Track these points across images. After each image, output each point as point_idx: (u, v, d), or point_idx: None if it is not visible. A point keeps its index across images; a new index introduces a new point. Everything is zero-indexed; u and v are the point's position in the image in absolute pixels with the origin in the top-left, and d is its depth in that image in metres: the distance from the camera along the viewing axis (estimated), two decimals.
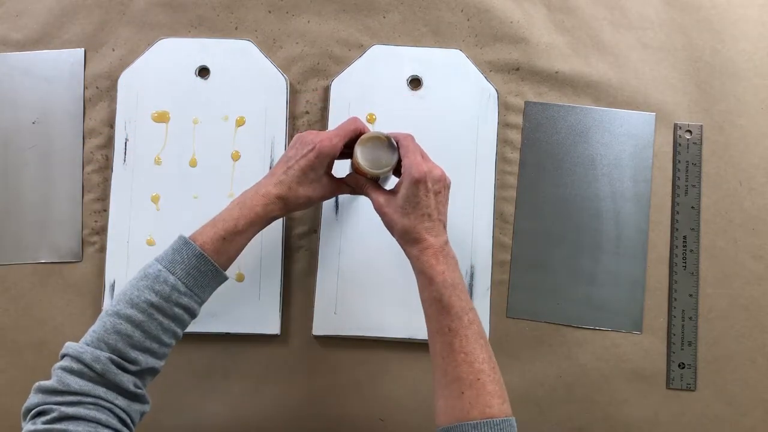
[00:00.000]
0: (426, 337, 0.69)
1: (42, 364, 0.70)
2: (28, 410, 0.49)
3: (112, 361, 0.50)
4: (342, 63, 0.73)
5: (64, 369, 0.49)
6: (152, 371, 0.53)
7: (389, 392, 0.70)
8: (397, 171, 0.59)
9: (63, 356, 0.51)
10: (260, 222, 0.57)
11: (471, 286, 0.70)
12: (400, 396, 0.70)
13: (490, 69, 0.73)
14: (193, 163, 0.71)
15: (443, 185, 0.56)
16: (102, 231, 0.71)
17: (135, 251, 0.70)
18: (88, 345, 0.50)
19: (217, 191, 0.71)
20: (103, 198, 0.72)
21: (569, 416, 0.70)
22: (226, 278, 0.57)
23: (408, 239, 0.56)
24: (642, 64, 0.73)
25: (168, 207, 0.71)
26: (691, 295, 0.71)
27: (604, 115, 0.73)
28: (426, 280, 0.54)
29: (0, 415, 0.70)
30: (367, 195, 0.60)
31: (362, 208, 0.71)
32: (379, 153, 0.58)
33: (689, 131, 0.73)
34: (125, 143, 0.71)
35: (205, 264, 0.54)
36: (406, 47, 0.73)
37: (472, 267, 0.70)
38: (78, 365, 0.49)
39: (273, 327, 0.70)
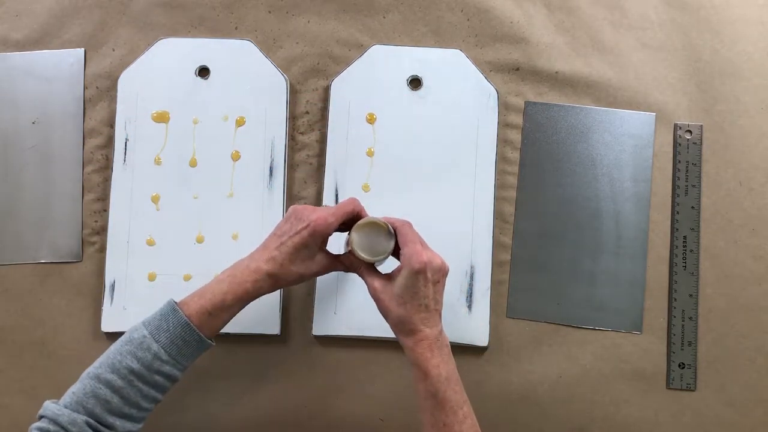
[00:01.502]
0: None
1: (42, 364, 0.70)
2: None
3: (89, 425, 0.50)
4: (342, 63, 0.73)
5: (41, 430, 0.50)
6: None
7: (389, 392, 0.70)
8: (394, 253, 0.57)
9: (41, 417, 0.51)
10: (249, 298, 0.56)
11: (471, 286, 0.70)
12: (400, 396, 0.70)
13: (490, 69, 0.73)
14: (193, 163, 0.71)
15: (442, 274, 0.56)
16: (102, 231, 0.71)
17: (135, 251, 0.70)
18: (67, 406, 0.51)
19: (217, 191, 0.71)
20: (103, 198, 0.72)
21: (569, 416, 0.70)
22: (211, 345, 0.56)
23: (403, 329, 0.55)
24: (642, 64, 0.73)
25: (168, 207, 0.71)
26: (691, 295, 0.71)
27: (604, 115, 0.73)
28: (421, 373, 0.54)
29: (0, 414, 0.70)
30: (362, 278, 0.58)
31: None
32: (376, 239, 0.57)
33: (689, 131, 0.73)
34: (125, 143, 0.71)
35: (190, 334, 0.54)
36: (406, 47, 0.73)
37: (472, 267, 0.70)
38: (54, 427, 0.49)
39: (273, 327, 0.70)
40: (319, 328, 0.70)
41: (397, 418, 0.70)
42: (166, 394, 0.55)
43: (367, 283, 0.58)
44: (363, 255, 0.57)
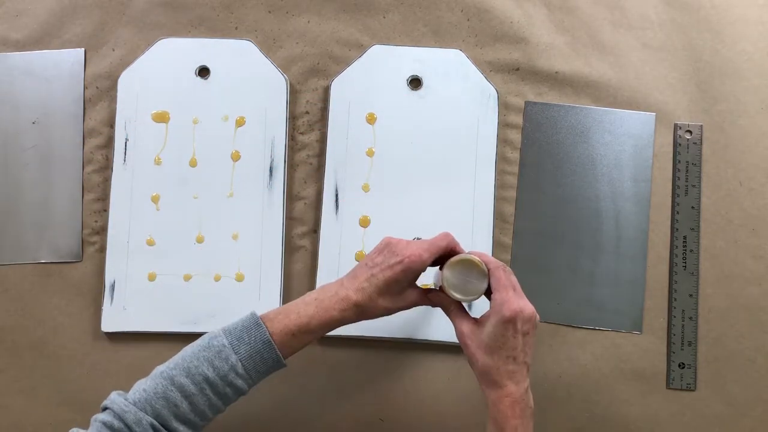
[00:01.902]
0: (425, 338, 0.69)
1: (42, 364, 0.70)
2: None
3: (153, 427, 0.49)
4: (342, 63, 0.73)
5: (105, 424, 0.49)
6: None
7: (389, 392, 0.70)
8: (486, 293, 0.56)
9: (105, 408, 0.51)
10: (334, 325, 0.55)
11: None
12: (400, 396, 0.70)
13: (490, 69, 0.73)
14: (193, 163, 0.71)
15: (532, 325, 0.53)
16: (102, 231, 0.71)
17: (135, 251, 0.70)
18: (135, 403, 0.50)
19: (217, 191, 0.71)
20: (103, 198, 0.72)
21: (569, 416, 0.70)
22: (284, 366, 0.55)
23: (488, 380, 0.53)
24: (642, 64, 0.73)
25: (168, 207, 0.71)
26: (691, 295, 0.71)
27: (604, 115, 0.73)
28: (497, 430, 0.52)
29: (0, 415, 0.70)
30: (449, 317, 0.57)
31: (362, 208, 0.71)
32: (468, 278, 0.55)
33: (689, 131, 0.73)
34: (125, 143, 0.71)
35: (269, 351, 0.53)
36: (406, 47, 0.73)
37: None
38: (119, 423, 0.49)
39: None
40: None
41: (397, 418, 0.70)
42: (228, 406, 0.54)
43: (454, 325, 0.56)
44: (455, 294, 0.55)
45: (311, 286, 0.70)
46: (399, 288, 0.55)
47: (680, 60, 0.73)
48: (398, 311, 0.57)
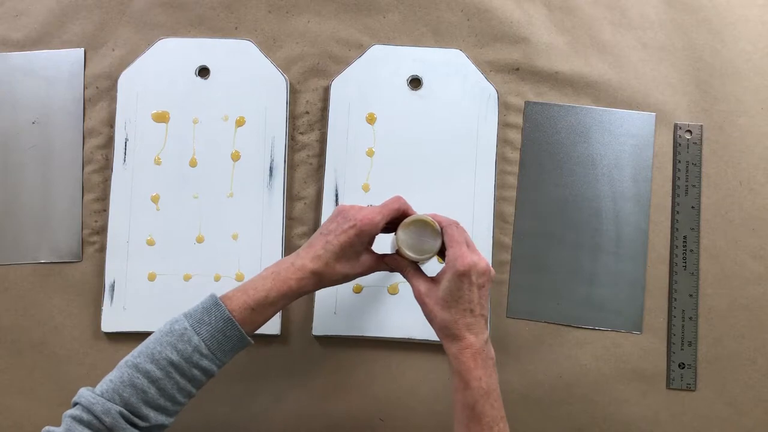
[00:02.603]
0: (425, 337, 0.69)
1: (42, 364, 0.70)
2: None
3: (122, 416, 0.50)
4: (342, 63, 0.73)
5: (74, 418, 0.49)
6: (161, 428, 0.53)
7: (389, 392, 0.70)
8: (440, 252, 0.57)
9: (75, 404, 0.51)
10: (293, 295, 0.55)
11: None
12: (400, 396, 0.70)
13: (490, 69, 0.73)
14: (193, 163, 0.71)
15: (487, 278, 0.54)
16: (102, 231, 0.71)
17: (135, 251, 0.70)
18: (102, 395, 0.50)
19: (217, 191, 0.71)
20: (103, 198, 0.72)
21: (569, 416, 0.70)
22: (250, 343, 0.55)
23: (447, 334, 0.54)
24: (642, 64, 0.73)
25: (168, 207, 0.71)
26: (691, 295, 0.71)
27: (604, 115, 0.73)
28: (462, 383, 0.53)
29: (0, 415, 0.70)
30: (406, 278, 0.58)
31: None
32: (422, 238, 0.56)
33: (689, 131, 0.73)
34: (125, 143, 0.71)
35: (231, 329, 0.53)
36: (406, 47, 0.73)
37: None
38: (88, 416, 0.49)
39: (273, 327, 0.70)
40: (319, 328, 0.70)
41: (397, 418, 0.70)
42: (199, 391, 0.55)
43: (412, 286, 0.57)
44: (409, 253, 0.56)
45: None
46: (354, 252, 0.56)
47: (680, 60, 0.73)
48: (357, 277, 0.58)
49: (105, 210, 0.72)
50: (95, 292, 0.71)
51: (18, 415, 0.70)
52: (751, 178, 0.72)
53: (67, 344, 0.70)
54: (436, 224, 0.56)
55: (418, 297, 0.56)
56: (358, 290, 0.70)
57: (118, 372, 0.52)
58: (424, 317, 0.56)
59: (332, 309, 0.70)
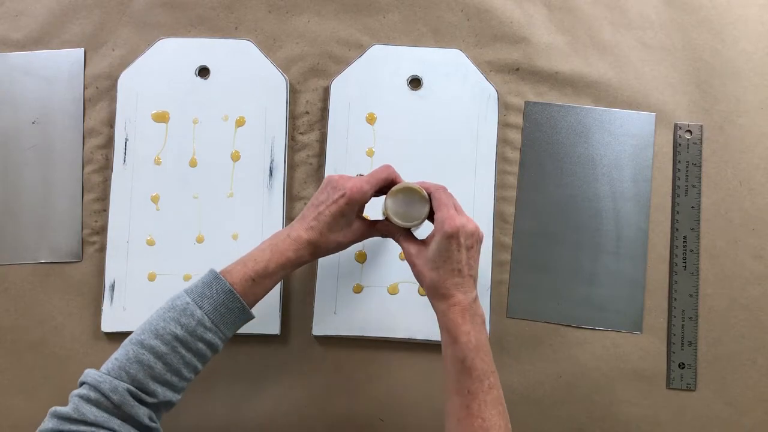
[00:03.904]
0: (425, 337, 0.69)
1: (42, 364, 0.70)
2: None
3: (130, 393, 0.50)
4: (342, 63, 0.73)
5: (82, 397, 0.49)
6: (168, 404, 0.53)
7: (389, 392, 0.70)
8: (430, 216, 0.57)
9: (81, 383, 0.51)
10: (291, 266, 0.57)
11: None
12: (400, 396, 0.70)
13: (490, 69, 0.73)
14: (193, 163, 0.71)
15: (476, 239, 0.55)
16: (102, 231, 0.71)
17: (135, 251, 0.70)
18: (108, 373, 0.50)
19: (217, 191, 0.71)
20: (103, 198, 0.72)
21: (569, 416, 0.70)
22: (252, 317, 0.56)
23: (436, 294, 0.55)
24: (642, 64, 0.73)
25: (168, 207, 0.71)
26: (691, 295, 0.71)
27: (604, 115, 0.73)
28: (450, 338, 0.53)
29: (0, 415, 0.70)
30: (397, 242, 0.59)
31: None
32: (410, 205, 0.57)
33: (689, 131, 0.73)
34: (125, 143, 0.71)
35: (233, 301, 0.54)
36: (406, 47, 0.73)
37: None
38: (95, 394, 0.49)
39: (273, 327, 0.70)
40: (319, 328, 0.70)
41: (397, 418, 0.70)
42: (205, 366, 0.55)
43: (402, 248, 0.58)
44: (397, 221, 0.57)
45: (311, 286, 0.70)
46: (346, 221, 0.57)
47: (680, 60, 0.73)
48: (351, 244, 0.60)
49: (105, 210, 0.72)
50: (95, 292, 0.71)
51: (18, 415, 0.70)
52: (751, 178, 0.72)
53: (67, 344, 0.70)
54: (424, 191, 0.57)
55: (408, 258, 0.57)
56: (358, 290, 0.70)
57: (123, 350, 0.52)
58: (414, 277, 0.57)
59: (332, 309, 0.70)
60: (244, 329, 0.69)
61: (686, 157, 0.72)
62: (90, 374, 0.50)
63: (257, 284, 0.55)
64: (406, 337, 0.69)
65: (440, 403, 0.70)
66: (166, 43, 0.73)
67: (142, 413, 0.50)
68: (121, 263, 0.70)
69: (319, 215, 0.57)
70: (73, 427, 0.48)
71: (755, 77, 0.73)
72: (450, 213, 0.54)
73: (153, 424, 0.51)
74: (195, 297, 0.54)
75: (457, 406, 0.52)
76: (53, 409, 0.49)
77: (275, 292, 0.70)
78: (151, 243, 0.71)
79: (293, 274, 0.71)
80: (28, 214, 0.72)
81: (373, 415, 0.70)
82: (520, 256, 0.71)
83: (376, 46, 0.73)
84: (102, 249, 0.71)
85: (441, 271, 0.54)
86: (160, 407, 0.52)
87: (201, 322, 0.53)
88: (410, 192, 0.57)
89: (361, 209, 0.59)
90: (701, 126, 0.73)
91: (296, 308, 0.71)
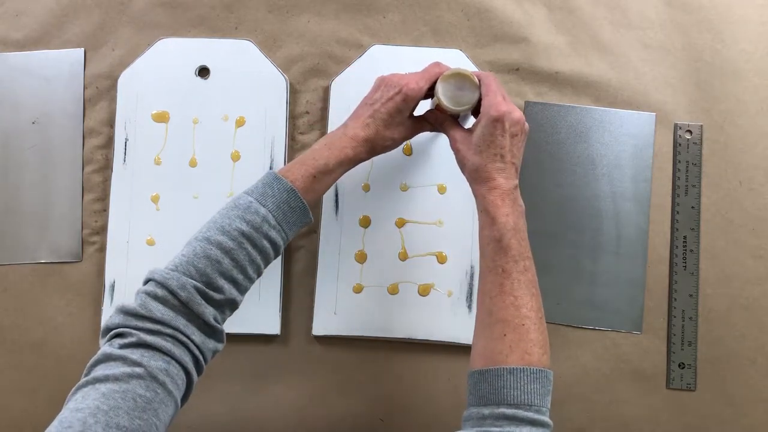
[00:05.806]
0: (425, 337, 0.69)
1: (42, 364, 0.70)
2: (108, 329, 0.48)
3: (198, 290, 0.49)
4: (342, 63, 0.73)
5: (148, 294, 0.48)
6: (233, 304, 0.52)
7: (389, 392, 0.70)
8: (477, 111, 0.58)
9: (148, 280, 0.50)
10: (349, 163, 0.58)
11: (471, 285, 0.70)
12: (400, 396, 0.70)
13: (490, 69, 0.73)
14: (193, 163, 0.71)
15: (521, 128, 0.56)
16: (102, 231, 0.71)
17: (135, 251, 0.70)
18: (176, 269, 0.50)
19: (217, 191, 0.71)
20: (103, 198, 0.72)
21: (569, 416, 0.70)
22: (311, 220, 0.57)
23: (477, 177, 0.55)
24: (642, 64, 0.73)
25: (168, 207, 0.71)
26: (691, 295, 0.71)
27: (604, 115, 0.73)
28: (488, 219, 0.53)
29: (0, 415, 0.70)
30: (444, 132, 0.60)
31: (362, 208, 0.71)
32: (461, 91, 0.58)
33: (689, 131, 0.73)
34: (125, 143, 0.71)
35: (295, 200, 0.55)
36: (406, 47, 0.73)
37: (472, 267, 0.70)
38: (162, 291, 0.48)
39: (273, 327, 0.70)
40: (319, 328, 0.70)
41: (397, 418, 0.70)
42: (266, 268, 0.55)
43: (448, 135, 0.59)
44: (448, 105, 0.58)
45: (311, 286, 0.70)
46: (401, 118, 0.59)
47: (680, 60, 0.73)
48: (403, 141, 0.62)
49: (105, 210, 0.72)
50: (95, 292, 0.71)
51: (18, 415, 0.70)
52: (751, 178, 0.72)
53: (67, 344, 0.70)
54: (475, 77, 0.57)
55: (453, 144, 0.58)
56: (358, 290, 0.70)
57: (190, 247, 0.51)
58: (457, 163, 0.58)
59: (332, 309, 0.70)
60: (244, 329, 0.69)
61: (686, 157, 0.72)
62: (158, 271, 0.50)
63: (318, 180, 0.56)
64: (406, 337, 0.69)
65: (440, 403, 0.70)
66: (166, 43, 0.73)
67: (208, 312, 0.49)
68: (121, 263, 0.70)
69: (375, 113, 0.58)
70: (140, 323, 0.47)
71: (755, 77, 0.73)
72: (497, 99, 0.55)
73: (217, 325, 0.50)
74: (257, 196, 0.54)
75: (490, 283, 0.52)
76: (120, 304, 0.48)
77: (275, 292, 0.70)
78: (151, 243, 0.71)
79: (293, 274, 0.71)
80: (28, 214, 0.72)
81: (373, 415, 0.70)
82: None
83: (376, 46, 0.73)
84: (102, 249, 0.71)
85: (484, 155, 0.54)
86: (225, 307, 0.51)
87: (266, 219, 0.53)
88: (461, 78, 0.58)
89: (415, 106, 0.60)
90: (701, 126, 0.73)
91: (296, 308, 0.71)
